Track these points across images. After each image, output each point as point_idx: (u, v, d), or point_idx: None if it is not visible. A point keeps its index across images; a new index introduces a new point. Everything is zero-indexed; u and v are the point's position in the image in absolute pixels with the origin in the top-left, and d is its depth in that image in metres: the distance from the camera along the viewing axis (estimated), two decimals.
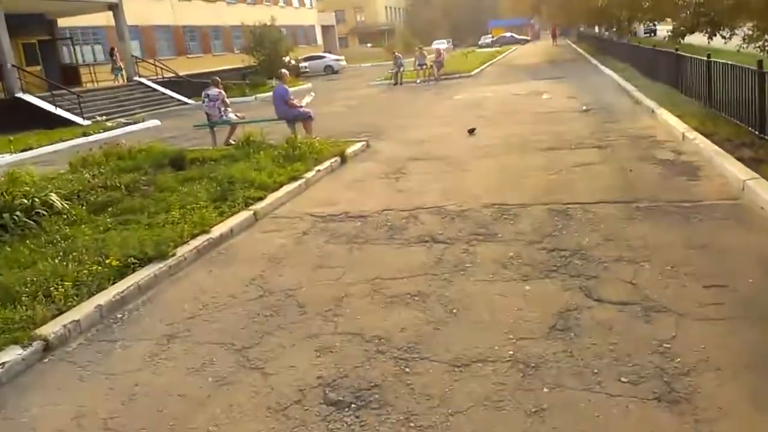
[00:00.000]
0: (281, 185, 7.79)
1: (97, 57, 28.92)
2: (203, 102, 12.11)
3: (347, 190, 7.81)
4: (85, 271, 4.88)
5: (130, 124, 17.94)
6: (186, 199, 7.02)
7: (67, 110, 19.25)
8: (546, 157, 8.46)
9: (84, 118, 19.17)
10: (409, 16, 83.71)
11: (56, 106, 19.13)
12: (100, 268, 4.96)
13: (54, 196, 6.57)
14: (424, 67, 24.68)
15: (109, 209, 6.93)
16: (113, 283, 4.82)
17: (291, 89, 27.49)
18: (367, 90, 24.07)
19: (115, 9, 24.02)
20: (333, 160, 9.33)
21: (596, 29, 43.42)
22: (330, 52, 49.61)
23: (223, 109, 11.89)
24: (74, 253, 5.34)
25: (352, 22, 76.83)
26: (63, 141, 15.38)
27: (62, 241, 5.75)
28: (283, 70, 11.92)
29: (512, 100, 15.67)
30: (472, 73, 26.16)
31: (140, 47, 31.59)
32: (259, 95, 25.07)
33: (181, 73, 30.97)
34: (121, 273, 4.99)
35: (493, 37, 67.41)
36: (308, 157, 9.14)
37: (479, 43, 65.49)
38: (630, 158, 7.85)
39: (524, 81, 20.58)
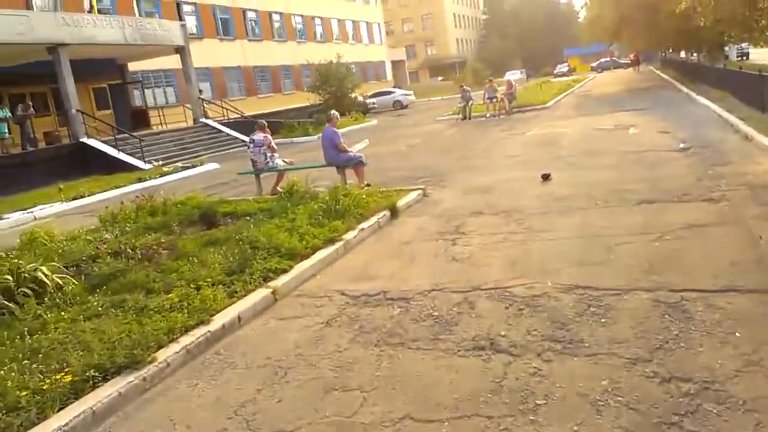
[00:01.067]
0: (314, 250, 6.54)
1: (169, 99, 29.44)
2: (248, 147, 11.19)
3: (391, 258, 6.44)
4: (30, 389, 3.75)
5: (188, 168, 17.49)
6: (198, 272, 5.89)
7: (130, 154, 19.13)
8: (642, 213, 6.78)
9: (146, 161, 18.98)
10: (480, 48, 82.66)
11: (119, 150, 19.06)
12: (49, 383, 3.81)
13: (44, 271, 5.59)
14: (495, 100, 23.20)
15: (110, 284, 5.89)
16: (61, 408, 3.65)
17: (355, 126, 26.97)
18: (434, 126, 22.83)
19: (182, 52, 24.19)
20: (381, 215, 8.03)
21: (683, 54, 40.50)
22: (400, 87, 49.11)
23: (269, 155, 10.91)
24: (36, 356, 4.25)
25: (423, 55, 76.62)
26: (117, 188, 14.98)
27: (29, 336, 4.69)
28: (333, 112, 10.80)
29: (594, 136, 13.91)
30: (547, 104, 24.43)
31: (211, 88, 32.03)
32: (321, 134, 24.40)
33: (251, 113, 31.05)
34: (78, 390, 3.83)
35: (569, 66, 64.96)
36: (352, 212, 7.88)
37: (555, 72, 63.31)
38: (757, 217, 6.06)
39: (606, 113, 18.69)
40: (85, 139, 19.07)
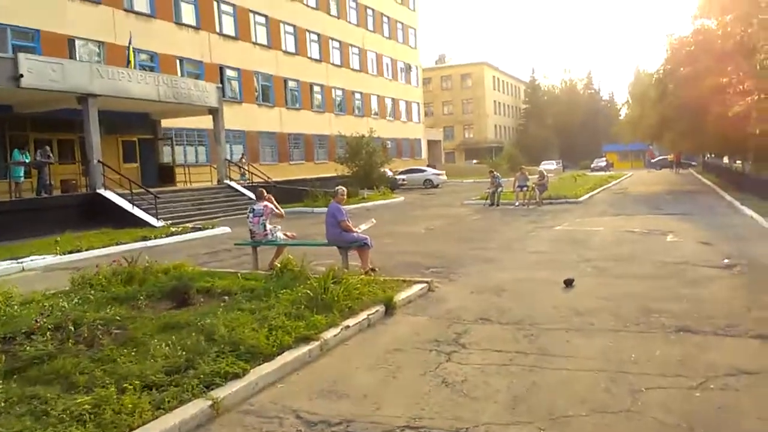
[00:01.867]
0: (282, 350, 5.53)
1: (199, 158, 29.48)
2: (248, 217, 10.42)
3: (371, 369, 5.38)
4: None
5: (198, 229, 16.85)
6: (135, 367, 4.92)
7: (144, 210, 18.70)
8: (679, 345, 5.62)
9: (158, 219, 18.50)
10: (519, 135, 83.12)
11: (134, 204, 18.64)
12: None
13: None
14: (525, 189, 22.36)
15: (31, 370, 4.96)
16: None
17: (381, 201, 26.27)
18: (459, 210, 22.00)
19: (215, 113, 24.27)
20: (373, 310, 7.01)
21: (726, 159, 39.44)
22: (434, 166, 48.99)
23: (269, 226, 10.11)
24: None
25: (460, 137, 77.27)
26: (118, 244, 14.31)
27: None
28: (339, 188, 10.04)
29: (626, 239, 12.80)
30: (580, 199, 23.43)
31: (244, 151, 32.10)
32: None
33: (281, 179, 30.90)
34: None
35: (607, 161, 64.22)
36: (340, 304, 6.89)
37: (592, 166, 62.63)
38: None
39: (642, 214, 17.59)
40: (101, 191, 18.76)
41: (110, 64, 22.08)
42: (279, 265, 9.57)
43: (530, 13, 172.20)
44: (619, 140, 61.48)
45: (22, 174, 17.36)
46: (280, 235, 10.28)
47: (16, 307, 6.74)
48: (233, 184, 24.84)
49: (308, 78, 38.28)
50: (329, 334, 6.08)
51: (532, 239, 13.40)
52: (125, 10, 25.20)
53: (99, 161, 18.84)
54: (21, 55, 16.58)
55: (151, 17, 26.51)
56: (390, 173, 35.64)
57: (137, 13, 25.81)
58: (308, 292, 7.08)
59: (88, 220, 17.24)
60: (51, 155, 18.34)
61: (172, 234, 15.90)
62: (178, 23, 28.19)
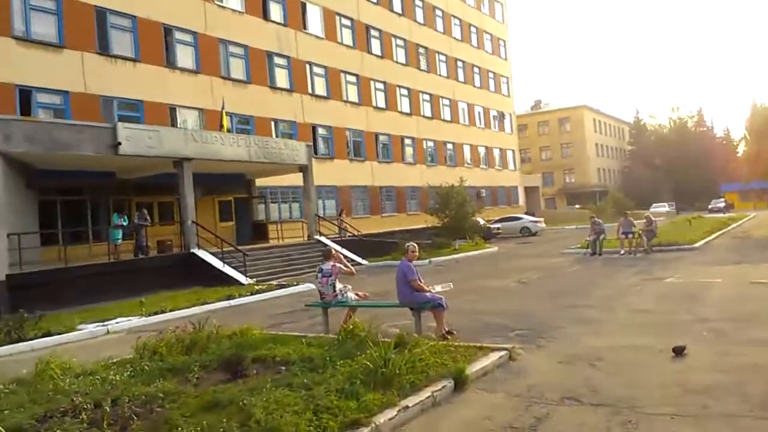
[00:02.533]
0: None
1: (293, 214, 30.01)
2: (316, 277, 9.93)
3: None
4: None
5: (282, 287, 16.74)
6: None
7: (234, 267, 18.95)
8: None
9: (247, 276, 18.65)
10: (625, 178, 78.91)
11: (224, 262, 18.96)
12: None
13: None
14: (630, 236, 20.52)
15: None
16: None
17: (473, 252, 25.21)
18: (557, 259, 20.50)
19: (305, 171, 24.65)
20: (440, 385, 6.14)
21: None
22: (533, 213, 47.26)
23: (339, 286, 9.56)
24: None
25: (561, 182, 74.50)
26: (204, 303, 14.39)
27: None
28: (410, 244, 9.27)
29: (751, 293, 11.01)
30: (696, 245, 21.14)
31: (336, 205, 32.45)
32: (435, 259, 23.02)
33: (373, 231, 30.81)
34: None
35: (726, 202, 59.01)
36: (403, 378, 6.09)
37: (709, 207, 57.79)
38: None
39: None
40: (195, 250, 19.28)
41: (209, 129, 23.23)
42: (345, 328, 9.00)
43: (630, 52, 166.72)
44: (738, 179, 56.47)
45: (120, 236, 18.21)
46: (350, 295, 9.67)
47: (67, 380, 6.52)
48: (322, 239, 24.88)
49: (399, 131, 38.49)
50: (383, 418, 5.28)
51: (636, 294, 11.90)
52: (222, 77, 26.61)
53: (193, 222, 19.45)
54: (119, 124, 17.66)
55: (246, 83, 27.81)
56: (483, 222, 34.53)
57: (234, 80, 27.18)
58: (368, 363, 6.35)
59: (182, 279, 17.66)
60: (148, 218, 19.19)
61: (257, 292, 15.85)
62: (272, 87, 29.37)
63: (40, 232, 17.70)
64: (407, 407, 5.59)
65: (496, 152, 51.72)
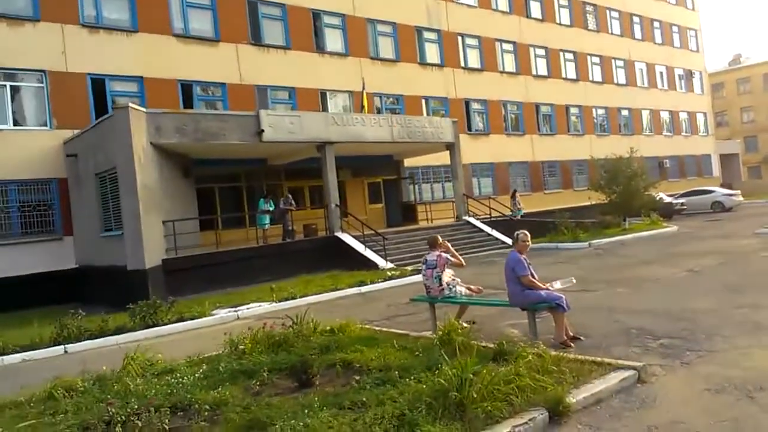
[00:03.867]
0: None
1: (447, 194, 29.01)
2: (421, 269, 8.92)
3: None
4: None
5: (417, 272, 15.87)
6: None
7: (375, 251, 18.61)
8: None
9: (387, 260, 18.19)
10: None
11: (366, 246, 18.70)
12: None
13: None
14: None
15: None
16: None
17: (643, 233, 22.66)
18: (747, 241, 17.04)
19: (452, 148, 23.48)
20: (527, 418, 4.85)
21: None
22: (729, 185, 41.12)
23: (446, 280, 8.47)
24: None
25: (767, 148, 63.88)
26: (334, 290, 14.18)
27: None
28: (520, 232, 7.67)
29: None
30: None
31: (492, 184, 30.93)
32: (596, 241, 20.59)
33: (535, 210, 28.80)
34: None
35: None
36: (477, 406, 4.92)
37: None
38: None
39: None
40: (339, 233, 19.29)
41: (357, 111, 23.16)
42: (466, 324, 8.00)
43: None
44: None
45: (267, 221, 18.78)
46: (460, 289, 8.54)
47: (138, 380, 6.34)
48: (472, 220, 23.61)
49: (563, 100, 35.47)
50: None
51: None
52: (371, 58, 26.42)
53: (337, 205, 19.46)
54: (262, 112, 18.06)
55: (395, 62, 27.33)
56: (664, 197, 30.49)
57: (382, 60, 26.85)
58: (442, 381, 5.26)
59: (324, 263, 17.72)
60: (293, 203, 19.57)
61: (389, 278, 15.26)
62: (422, 63, 28.56)
63: (193, 218, 18.83)
64: None
65: (683, 116, 45.63)
